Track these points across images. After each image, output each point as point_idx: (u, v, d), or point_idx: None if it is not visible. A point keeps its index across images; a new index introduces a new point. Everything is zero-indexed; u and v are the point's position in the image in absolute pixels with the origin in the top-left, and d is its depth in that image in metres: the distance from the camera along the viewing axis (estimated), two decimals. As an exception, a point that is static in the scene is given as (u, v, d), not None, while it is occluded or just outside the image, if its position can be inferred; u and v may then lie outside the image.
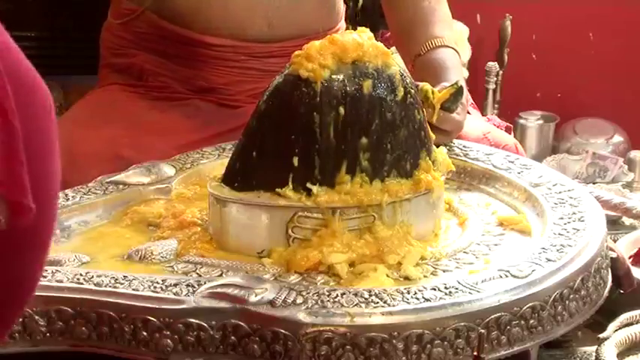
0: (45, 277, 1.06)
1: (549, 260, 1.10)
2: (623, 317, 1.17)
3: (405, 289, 1.03)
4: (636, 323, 1.17)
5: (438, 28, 1.62)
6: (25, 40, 2.60)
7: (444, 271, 1.13)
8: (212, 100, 1.67)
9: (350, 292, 1.02)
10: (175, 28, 1.66)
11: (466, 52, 2.75)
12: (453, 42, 1.62)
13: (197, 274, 1.11)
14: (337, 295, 1.02)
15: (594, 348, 1.14)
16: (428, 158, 1.21)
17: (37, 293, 1.03)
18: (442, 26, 1.63)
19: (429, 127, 1.24)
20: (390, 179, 1.17)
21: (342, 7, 1.78)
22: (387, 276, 1.10)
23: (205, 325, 1.00)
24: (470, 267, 1.13)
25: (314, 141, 1.14)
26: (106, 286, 1.05)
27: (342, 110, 1.15)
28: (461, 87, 1.37)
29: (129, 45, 1.71)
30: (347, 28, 1.23)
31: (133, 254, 1.15)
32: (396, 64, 1.19)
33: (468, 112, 1.55)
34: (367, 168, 1.16)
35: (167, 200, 1.30)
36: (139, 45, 1.70)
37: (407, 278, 1.11)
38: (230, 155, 1.24)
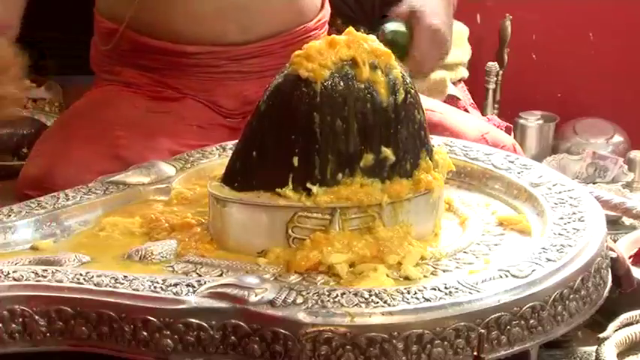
0: (45, 277, 1.06)
1: (549, 260, 1.10)
2: (623, 317, 1.17)
3: (405, 289, 1.03)
4: (636, 323, 1.17)
5: None
6: (25, 40, 2.60)
7: (444, 271, 1.13)
8: (205, 102, 1.67)
9: (350, 292, 1.02)
10: (154, 41, 1.65)
11: (466, 52, 2.75)
12: None
13: (197, 274, 1.11)
14: (337, 295, 1.02)
15: (594, 348, 1.14)
16: (428, 158, 1.21)
17: (37, 293, 1.04)
18: None
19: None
20: (390, 179, 1.17)
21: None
22: (387, 276, 1.10)
23: (205, 325, 1.00)
24: (470, 267, 1.13)
25: (314, 141, 1.14)
26: (106, 286, 1.05)
27: (342, 110, 1.15)
28: (388, 37, 1.35)
29: (112, 62, 1.70)
30: (344, 27, 1.22)
31: (133, 254, 1.15)
32: (397, 64, 1.19)
33: (467, 112, 1.54)
34: (367, 168, 1.16)
35: (139, 209, 1.29)
36: (121, 61, 1.69)
37: (407, 278, 1.11)
38: (230, 155, 1.24)
